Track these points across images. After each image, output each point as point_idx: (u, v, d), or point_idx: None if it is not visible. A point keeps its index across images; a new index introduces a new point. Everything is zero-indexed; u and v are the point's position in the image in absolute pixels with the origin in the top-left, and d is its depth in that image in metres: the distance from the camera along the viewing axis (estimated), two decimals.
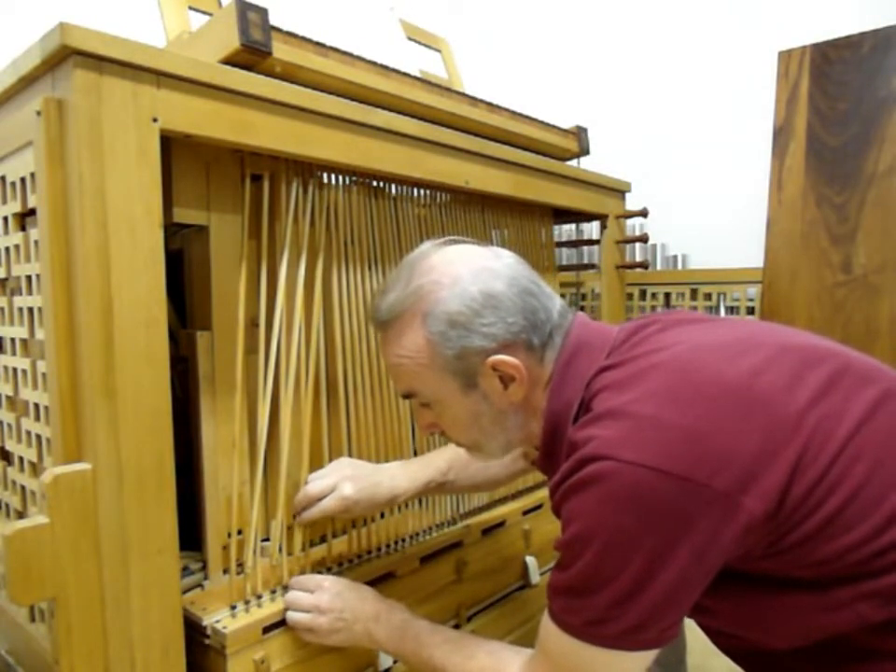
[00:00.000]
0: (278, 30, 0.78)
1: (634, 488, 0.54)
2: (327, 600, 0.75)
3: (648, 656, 0.59)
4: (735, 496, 0.53)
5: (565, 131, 1.28)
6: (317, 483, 0.81)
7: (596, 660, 0.59)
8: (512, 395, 0.68)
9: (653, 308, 1.68)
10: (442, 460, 0.90)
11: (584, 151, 1.32)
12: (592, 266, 1.46)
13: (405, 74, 0.95)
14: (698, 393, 0.57)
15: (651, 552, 0.55)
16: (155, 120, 0.64)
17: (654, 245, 1.92)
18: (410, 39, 1.26)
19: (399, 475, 0.85)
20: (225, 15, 0.74)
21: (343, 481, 0.81)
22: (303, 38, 0.81)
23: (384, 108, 0.87)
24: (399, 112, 0.90)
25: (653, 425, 0.56)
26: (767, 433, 0.55)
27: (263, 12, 0.75)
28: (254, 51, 0.74)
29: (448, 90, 1.03)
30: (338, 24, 1.06)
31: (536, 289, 0.69)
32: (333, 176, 0.89)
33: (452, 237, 0.72)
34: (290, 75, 0.80)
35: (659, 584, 0.55)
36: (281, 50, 0.78)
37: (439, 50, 1.35)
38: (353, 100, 0.83)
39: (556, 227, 1.41)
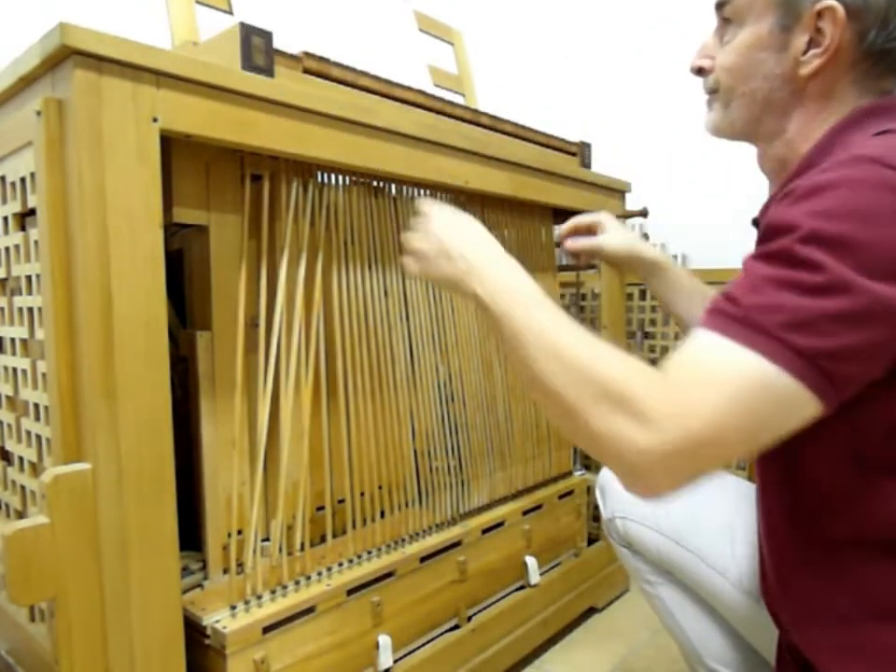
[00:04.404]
0: (282, 53, 0.77)
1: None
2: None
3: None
4: None
5: (567, 148, 1.26)
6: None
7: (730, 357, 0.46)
8: (806, 64, 0.59)
9: (653, 308, 1.66)
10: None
11: (586, 168, 1.32)
12: (592, 266, 1.46)
13: (408, 88, 0.94)
14: None
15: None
16: (155, 120, 0.64)
17: (654, 246, 1.92)
18: (422, 31, 1.24)
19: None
20: (229, 38, 0.73)
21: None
22: (307, 55, 0.81)
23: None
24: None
25: None
26: None
27: (268, 36, 0.74)
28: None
29: (452, 104, 1.02)
30: (350, 15, 1.05)
31: None
32: (333, 176, 0.89)
33: None
34: None
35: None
36: (283, 74, 0.77)
37: (451, 43, 1.33)
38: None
39: (556, 227, 1.41)
